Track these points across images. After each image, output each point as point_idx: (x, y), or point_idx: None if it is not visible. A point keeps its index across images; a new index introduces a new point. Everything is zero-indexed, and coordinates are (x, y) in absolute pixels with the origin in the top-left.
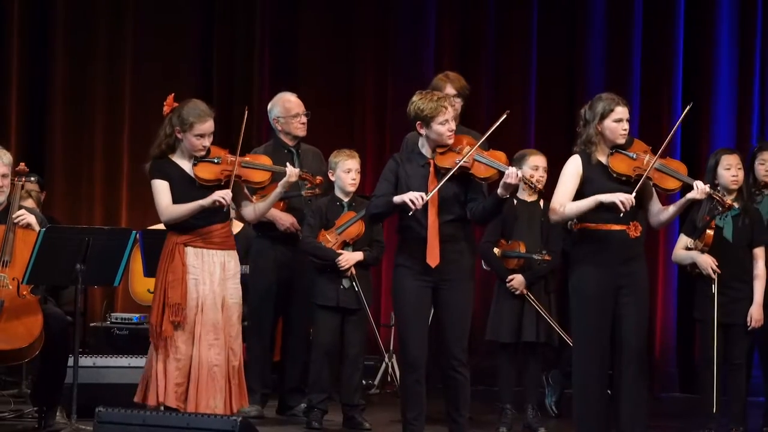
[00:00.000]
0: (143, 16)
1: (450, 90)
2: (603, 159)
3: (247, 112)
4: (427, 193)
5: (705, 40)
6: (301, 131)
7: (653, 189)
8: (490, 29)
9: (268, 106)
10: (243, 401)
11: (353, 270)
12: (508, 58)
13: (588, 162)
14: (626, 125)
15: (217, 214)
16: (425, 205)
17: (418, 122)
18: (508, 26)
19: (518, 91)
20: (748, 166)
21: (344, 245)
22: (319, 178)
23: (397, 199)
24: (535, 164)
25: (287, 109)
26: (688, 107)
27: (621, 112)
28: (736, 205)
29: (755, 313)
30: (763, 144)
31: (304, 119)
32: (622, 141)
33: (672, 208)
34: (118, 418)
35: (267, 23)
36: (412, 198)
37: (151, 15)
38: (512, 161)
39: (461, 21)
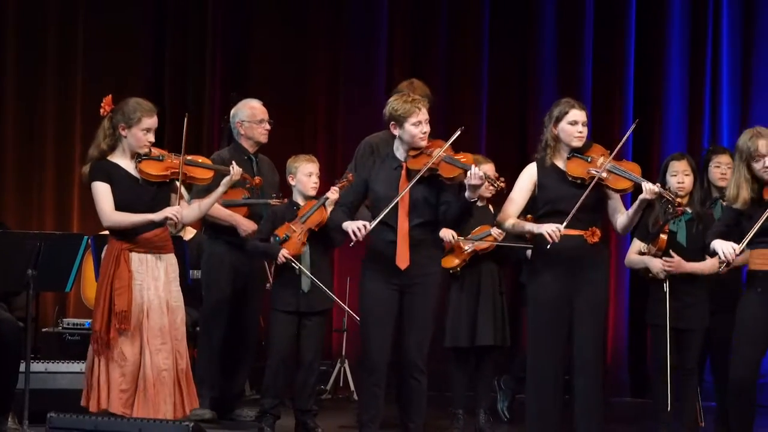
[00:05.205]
0: (94, 28)
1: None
2: (560, 163)
3: (186, 117)
4: (370, 222)
5: (656, 47)
6: (264, 138)
7: (608, 192)
8: (442, 37)
9: (232, 111)
10: (194, 403)
11: (300, 266)
12: (459, 65)
13: (543, 167)
14: (582, 128)
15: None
16: (395, 208)
17: (392, 122)
18: (460, 35)
19: (469, 99)
20: (702, 171)
21: (310, 233)
22: (257, 179)
23: (344, 225)
24: (486, 173)
25: (253, 114)
26: (634, 123)
27: (576, 114)
28: (688, 209)
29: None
30: (716, 148)
31: (268, 126)
32: (577, 144)
33: (630, 212)
34: (69, 423)
35: (219, 32)
36: (354, 230)
37: (103, 26)
38: None
39: (413, 29)
